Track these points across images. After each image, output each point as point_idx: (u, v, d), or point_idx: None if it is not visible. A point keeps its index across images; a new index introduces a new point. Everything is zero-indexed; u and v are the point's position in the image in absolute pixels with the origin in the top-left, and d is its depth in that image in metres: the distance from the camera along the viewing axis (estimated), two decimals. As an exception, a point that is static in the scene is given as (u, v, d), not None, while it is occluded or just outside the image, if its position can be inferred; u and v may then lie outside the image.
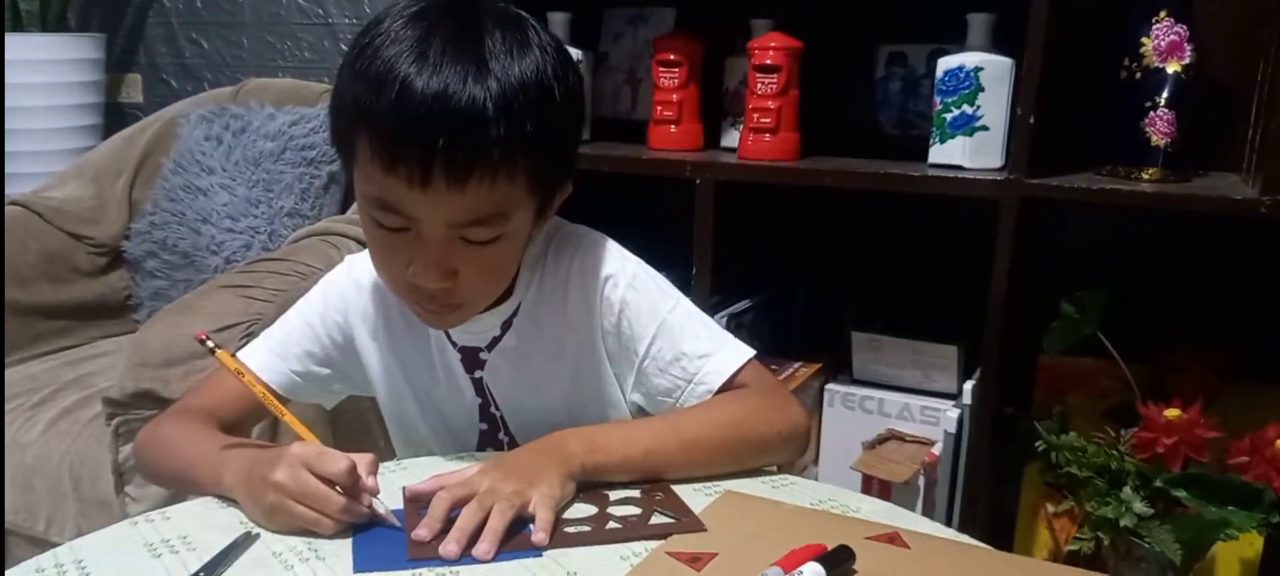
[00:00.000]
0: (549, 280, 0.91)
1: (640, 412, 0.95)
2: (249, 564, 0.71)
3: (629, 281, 0.90)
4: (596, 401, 0.94)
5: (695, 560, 0.70)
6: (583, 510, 0.78)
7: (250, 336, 1.42)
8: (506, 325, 0.92)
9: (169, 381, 1.40)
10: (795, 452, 0.89)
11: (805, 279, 1.66)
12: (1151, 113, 1.27)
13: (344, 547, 0.73)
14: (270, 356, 0.95)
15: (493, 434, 0.96)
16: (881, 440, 1.43)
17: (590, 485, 0.80)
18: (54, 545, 0.75)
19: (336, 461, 0.73)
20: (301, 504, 0.73)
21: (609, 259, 0.91)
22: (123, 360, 1.47)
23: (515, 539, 0.72)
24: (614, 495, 0.80)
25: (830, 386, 1.51)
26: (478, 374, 0.94)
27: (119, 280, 2.06)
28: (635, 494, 0.81)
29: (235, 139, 1.97)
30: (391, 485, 0.81)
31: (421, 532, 0.71)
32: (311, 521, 0.73)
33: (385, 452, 0.92)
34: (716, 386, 0.88)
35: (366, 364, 0.97)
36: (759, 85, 1.42)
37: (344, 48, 2.39)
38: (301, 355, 0.96)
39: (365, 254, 0.92)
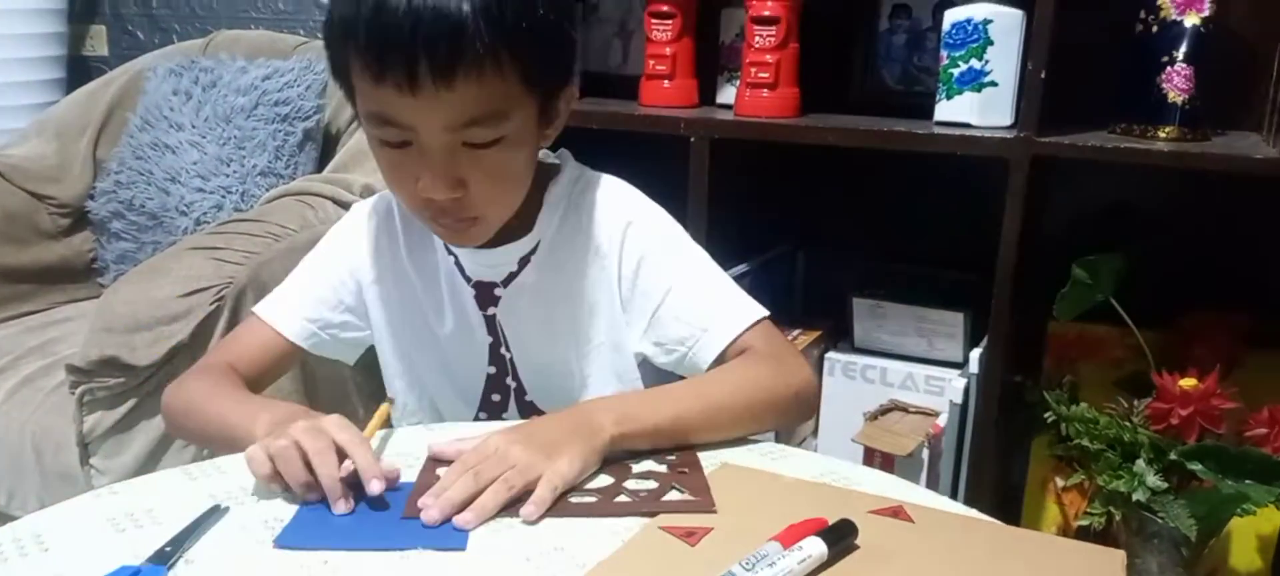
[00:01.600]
0: (572, 220, 0.93)
1: (646, 361, 0.96)
2: (217, 538, 0.69)
3: (651, 229, 0.93)
4: (607, 345, 0.95)
5: (690, 535, 0.68)
6: (600, 481, 0.77)
7: (221, 300, 1.38)
8: (524, 261, 0.93)
9: (135, 347, 1.35)
10: (808, 414, 0.94)
11: (804, 242, 1.62)
12: (1169, 68, 1.23)
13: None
14: (287, 312, 0.97)
15: (500, 378, 0.97)
16: (884, 411, 1.39)
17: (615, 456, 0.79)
18: (14, 519, 0.72)
19: (359, 446, 0.73)
20: (306, 461, 0.72)
21: (633, 205, 0.94)
22: (87, 326, 1.42)
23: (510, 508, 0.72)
24: (637, 467, 0.79)
25: (830, 355, 1.47)
26: (491, 310, 0.94)
27: (83, 242, 2.01)
28: (660, 468, 0.79)
29: (205, 94, 1.91)
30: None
31: (426, 500, 0.71)
32: (300, 480, 0.72)
33: (361, 420, 0.87)
34: (728, 341, 0.89)
35: (371, 308, 0.98)
36: (757, 38, 1.36)
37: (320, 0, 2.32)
38: (316, 304, 0.97)
39: (370, 202, 0.99)
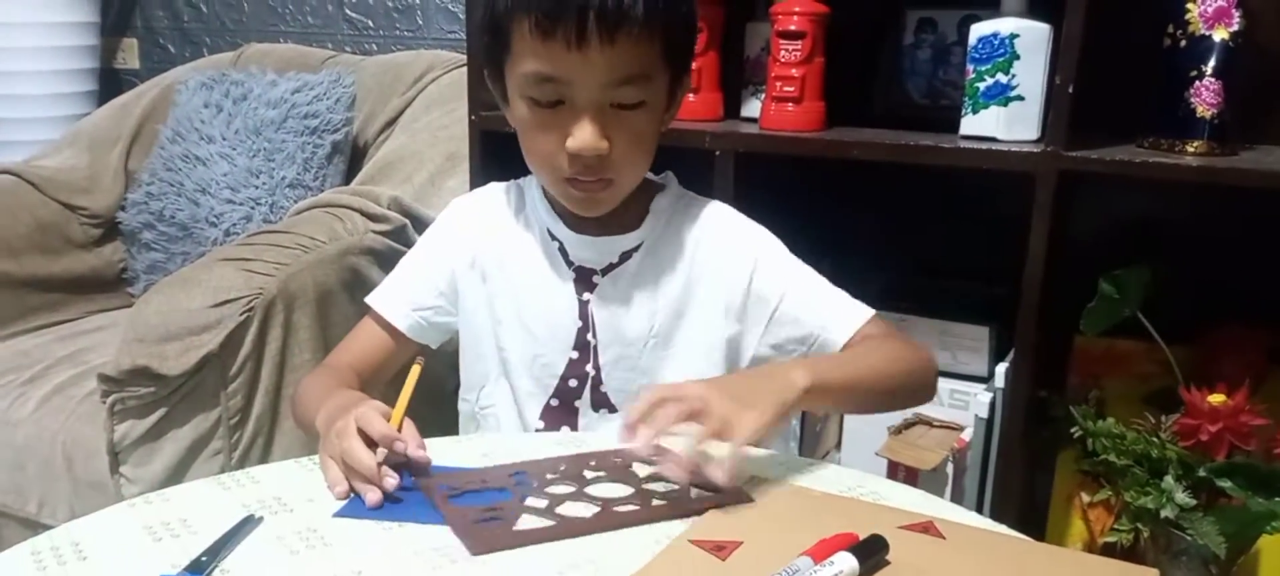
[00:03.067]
0: (674, 228, 1.02)
1: (759, 362, 1.02)
2: (252, 548, 0.70)
3: (757, 241, 1.02)
4: (690, 342, 1.01)
5: (720, 549, 0.68)
6: (620, 490, 0.78)
7: (250, 311, 1.40)
8: (625, 256, 1.00)
9: (166, 357, 1.37)
10: (933, 391, 1.00)
11: (829, 255, 1.59)
12: (1197, 82, 1.21)
13: (346, 534, 0.71)
14: (391, 302, 1.06)
15: (581, 364, 1.01)
16: (908, 425, 1.38)
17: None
18: (46, 527, 0.74)
19: (378, 424, 0.79)
20: (341, 462, 0.79)
21: (737, 222, 1.04)
22: (118, 335, 1.44)
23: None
24: (643, 471, 0.81)
25: (854, 367, 1.45)
26: (586, 296, 1.01)
27: (114, 252, 2.04)
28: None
29: (235, 107, 1.93)
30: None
31: (633, 420, 0.76)
32: (333, 481, 0.78)
33: None
34: (851, 333, 0.98)
35: (462, 294, 1.05)
36: (782, 52, 1.36)
37: (349, 13, 2.34)
38: (415, 291, 1.06)
39: (469, 195, 1.10)
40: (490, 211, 1.06)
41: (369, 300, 1.07)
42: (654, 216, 1.01)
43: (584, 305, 1.01)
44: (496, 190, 1.08)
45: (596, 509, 0.75)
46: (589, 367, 1.01)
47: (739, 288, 1.00)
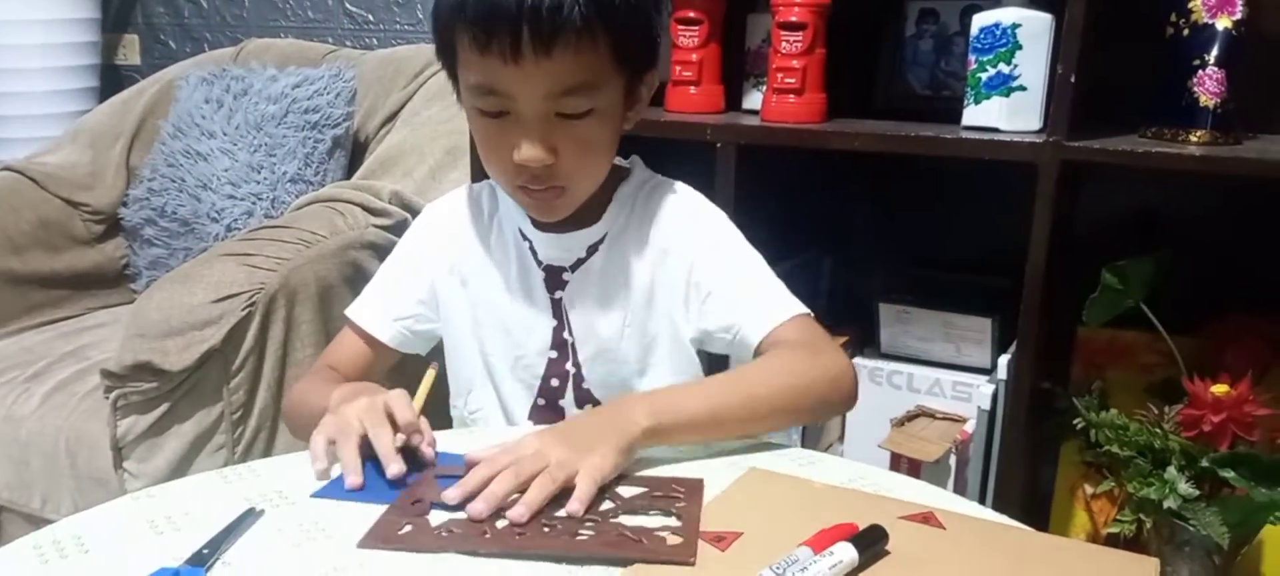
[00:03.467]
0: (638, 216, 1.00)
1: (697, 348, 1.02)
2: (254, 540, 0.70)
3: (708, 228, 1.01)
4: (664, 337, 1.01)
5: (720, 540, 0.68)
6: (604, 503, 0.74)
7: (252, 306, 1.40)
8: (592, 249, 1.00)
9: (168, 352, 1.37)
10: (846, 404, 0.94)
11: (831, 247, 1.61)
12: (1200, 71, 1.21)
13: (347, 525, 0.71)
14: (372, 314, 1.05)
15: (561, 363, 1.01)
16: (910, 417, 1.38)
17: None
18: (50, 523, 0.73)
19: (406, 410, 0.81)
20: (357, 433, 0.79)
21: (695, 207, 1.03)
22: (121, 331, 1.44)
23: (550, 508, 0.72)
24: (629, 492, 0.76)
25: (857, 360, 1.45)
26: (558, 294, 1.00)
27: (116, 248, 2.04)
28: (656, 493, 0.76)
29: (236, 102, 1.93)
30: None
31: (452, 494, 0.72)
32: (317, 455, 0.79)
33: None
34: (767, 330, 0.94)
35: (442, 301, 1.04)
36: (783, 44, 1.35)
37: (349, 7, 2.34)
38: (395, 301, 1.05)
39: (444, 199, 1.08)
40: (464, 216, 1.05)
41: (348, 313, 1.05)
42: (616, 206, 1.00)
43: (557, 303, 1.00)
44: (466, 195, 1.06)
45: (548, 527, 0.70)
46: (569, 365, 1.01)
47: (684, 275, 0.99)
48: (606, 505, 0.74)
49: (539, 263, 1.00)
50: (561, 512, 0.71)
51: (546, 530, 0.70)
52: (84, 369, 1.61)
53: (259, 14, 2.46)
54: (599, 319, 1.00)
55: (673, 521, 0.71)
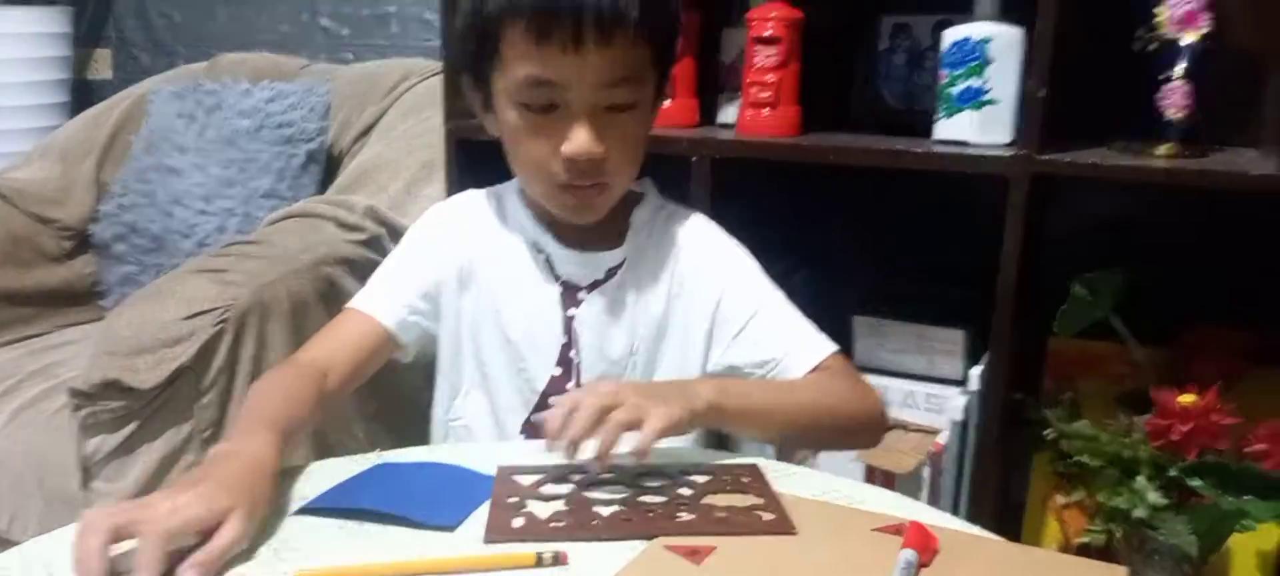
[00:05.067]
0: (656, 244, 1.01)
1: None
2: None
3: (736, 260, 1.03)
4: (670, 363, 1.01)
5: (694, 554, 0.69)
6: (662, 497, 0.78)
7: (224, 323, 1.38)
8: (610, 273, 1.00)
9: (138, 370, 1.36)
10: (875, 439, 1.00)
11: (805, 260, 1.61)
12: (1167, 85, 1.23)
13: (319, 542, 0.69)
14: (379, 300, 1.01)
15: (563, 382, 1.01)
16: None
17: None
18: (16, 544, 0.72)
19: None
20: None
21: (718, 235, 1.05)
22: (90, 349, 1.42)
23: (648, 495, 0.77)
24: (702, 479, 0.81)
25: (831, 372, 1.45)
26: (571, 311, 1.00)
27: (86, 265, 2.02)
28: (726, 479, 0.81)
29: (208, 116, 1.92)
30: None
31: (553, 429, 0.76)
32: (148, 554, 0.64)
33: (362, 446, 0.89)
34: (811, 365, 0.97)
35: (444, 307, 1.02)
36: (758, 58, 1.36)
37: (324, 22, 2.33)
38: (404, 290, 1.02)
39: (450, 203, 1.08)
40: (472, 219, 1.04)
41: (351, 304, 1.02)
42: (635, 231, 1.01)
43: (569, 321, 1.00)
44: (476, 197, 1.06)
45: (648, 513, 0.75)
46: (571, 384, 1.00)
47: (709, 309, 1.00)
48: (686, 490, 0.78)
49: (556, 277, 1.00)
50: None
51: (650, 515, 0.74)
52: (52, 387, 1.59)
53: (232, 28, 2.44)
54: (609, 342, 1.00)
55: (755, 499, 0.77)
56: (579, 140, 0.88)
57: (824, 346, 0.99)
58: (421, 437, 1.08)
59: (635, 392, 0.79)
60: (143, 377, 1.35)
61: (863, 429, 0.98)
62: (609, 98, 0.89)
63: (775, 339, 0.98)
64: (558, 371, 1.01)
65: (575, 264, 1.00)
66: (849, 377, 0.98)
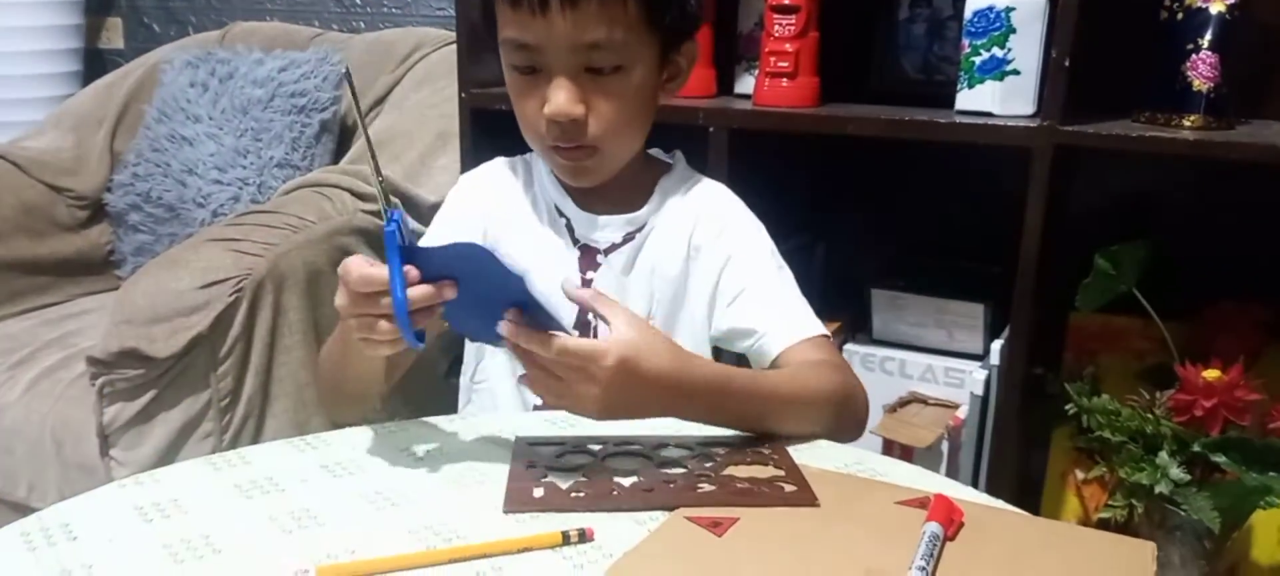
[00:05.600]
0: (677, 212, 1.01)
1: (715, 351, 1.04)
2: (245, 528, 0.69)
3: (745, 231, 1.02)
4: (685, 329, 1.01)
5: (716, 525, 0.68)
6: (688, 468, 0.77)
7: (239, 292, 1.38)
8: (628, 238, 1.00)
9: (155, 339, 1.36)
10: (856, 424, 0.94)
11: (824, 233, 1.60)
12: (1193, 56, 1.20)
13: (339, 512, 0.70)
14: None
15: None
16: (903, 403, 1.38)
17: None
18: (35, 510, 0.72)
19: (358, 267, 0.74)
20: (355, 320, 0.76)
21: (737, 207, 1.04)
22: (106, 317, 1.43)
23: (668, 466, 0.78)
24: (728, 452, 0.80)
25: (849, 346, 1.45)
26: (590, 275, 1.00)
27: (100, 234, 2.02)
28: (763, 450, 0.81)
29: (222, 86, 1.91)
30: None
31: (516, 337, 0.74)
32: (362, 334, 0.76)
33: (379, 416, 0.88)
34: (791, 342, 0.95)
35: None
36: (776, 27, 1.35)
37: (334, -10, 2.32)
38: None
39: (480, 170, 1.08)
40: (498, 186, 1.05)
41: None
42: (659, 197, 1.01)
43: (587, 284, 1.00)
44: (503, 165, 1.08)
45: (669, 485, 0.74)
46: None
47: (715, 276, 1.00)
48: (707, 462, 0.78)
49: (575, 241, 1.01)
50: (555, 511, 0.71)
51: (671, 486, 0.74)
52: (69, 356, 1.59)
53: (243, -4, 2.43)
54: (626, 305, 0.99)
55: (776, 471, 0.76)
56: (556, 101, 0.89)
57: (808, 328, 0.97)
58: (438, 407, 1.08)
59: (604, 405, 0.76)
60: (160, 346, 1.35)
61: (838, 411, 0.90)
62: (587, 59, 0.88)
63: (761, 313, 0.98)
64: (576, 334, 1.00)
65: (596, 227, 1.00)
66: (833, 368, 0.94)
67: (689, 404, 0.82)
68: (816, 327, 0.98)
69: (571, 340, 0.75)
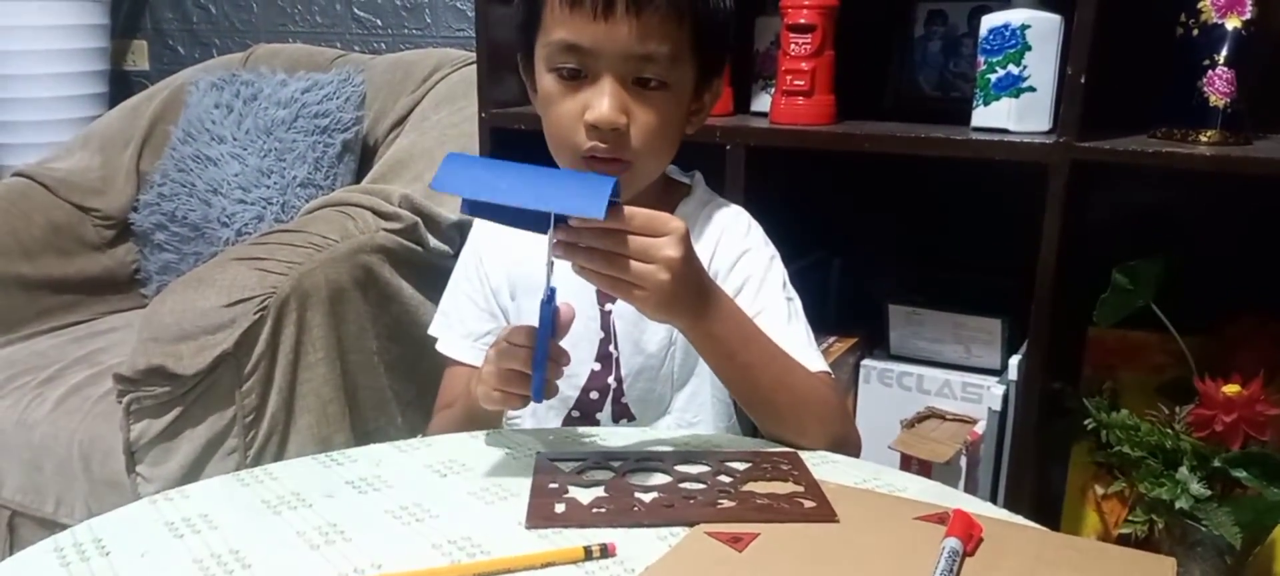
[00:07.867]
0: (697, 232, 1.00)
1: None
2: (271, 543, 0.70)
3: (758, 261, 1.01)
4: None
5: (737, 541, 0.68)
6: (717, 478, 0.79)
7: (264, 310, 1.40)
8: None
9: (181, 356, 1.38)
10: (835, 441, 0.90)
11: (840, 249, 1.61)
12: (1210, 72, 1.20)
13: (366, 528, 0.71)
14: (453, 337, 1.06)
15: (603, 376, 1.02)
16: (920, 418, 1.38)
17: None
18: (64, 527, 0.73)
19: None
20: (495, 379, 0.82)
21: (755, 233, 1.04)
22: (133, 335, 1.44)
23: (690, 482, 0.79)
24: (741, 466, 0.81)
25: (866, 362, 1.45)
26: (608, 306, 1.00)
27: (127, 253, 2.05)
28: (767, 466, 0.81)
29: (246, 107, 1.94)
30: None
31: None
32: (499, 392, 0.82)
33: (401, 432, 0.90)
34: None
35: (499, 304, 1.05)
36: (792, 46, 1.36)
37: (357, 12, 2.35)
38: (469, 321, 1.06)
39: None
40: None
41: (439, 348, 1.07)
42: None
43: (606, 315, 1.01)
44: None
45: (689, 500, 0.75)
46: (611, 379, 1.01)
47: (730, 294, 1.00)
48: (726, 477, 0.78)
49: None
50: (574, 527, 0.72)
51: (691, 502, 0.74)
52: (96, 373, 1.61)
53: (267, 19, 2.46)
54: (647, 335, 1.00)
55: (796, 487, 0.77)
56: (601, 107, 0.88)
57: (815, 363, 0.96)
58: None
59: (675, 287, 0.77)
60: (186, 364, 1.37)
61: (823, 416, 0.90)
62: (637, 69, 0.89)
63: (775, 339, 0.96)
64: (597, 366, 1.01)
65: None
66: (835, 398, 0.95)
67: (726, 322, 0.84)
68: (821, 365, 0.97)
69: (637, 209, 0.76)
